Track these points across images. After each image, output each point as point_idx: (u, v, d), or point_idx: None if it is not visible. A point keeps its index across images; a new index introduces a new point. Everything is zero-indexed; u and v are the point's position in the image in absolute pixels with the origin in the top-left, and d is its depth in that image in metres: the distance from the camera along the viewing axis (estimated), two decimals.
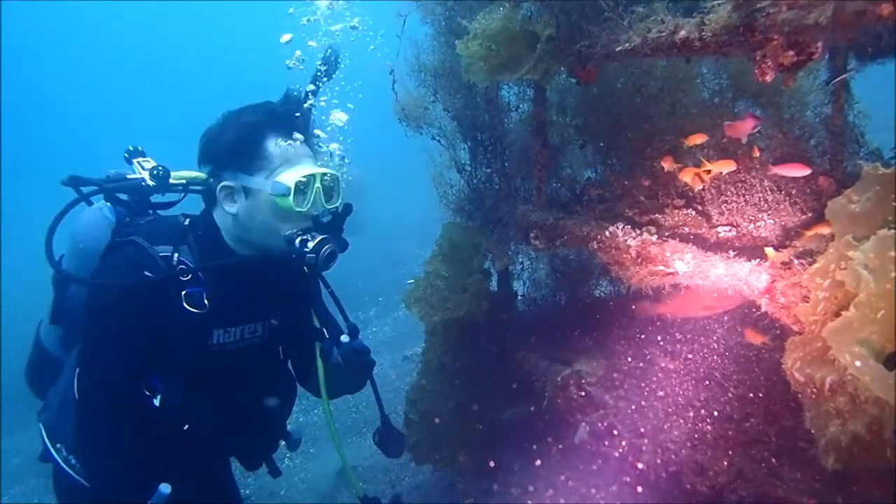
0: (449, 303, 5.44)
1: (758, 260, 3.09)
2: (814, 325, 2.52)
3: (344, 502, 6.30)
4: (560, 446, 5.01)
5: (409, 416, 5.64)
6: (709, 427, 3.69)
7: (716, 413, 3.77)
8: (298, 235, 3.00)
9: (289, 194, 2.94)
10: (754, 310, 3.56)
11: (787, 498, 3.15)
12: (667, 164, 4.17)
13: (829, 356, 2.45)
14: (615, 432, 4.26)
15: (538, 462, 5.15)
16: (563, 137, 5.48)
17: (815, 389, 2.54)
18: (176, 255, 2.99)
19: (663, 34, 3.29)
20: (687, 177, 3.95)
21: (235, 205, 3.08)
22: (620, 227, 3.84)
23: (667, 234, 3.88)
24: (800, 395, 2.67)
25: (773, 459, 3.41)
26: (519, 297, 5.97)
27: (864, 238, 2.31)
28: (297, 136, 3.13)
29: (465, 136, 5.52)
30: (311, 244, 2.96)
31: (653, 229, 3.75)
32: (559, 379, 4.67)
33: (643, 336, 4.78)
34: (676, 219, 4.21)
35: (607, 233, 3.88)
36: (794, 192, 4.35)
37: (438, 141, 5.64)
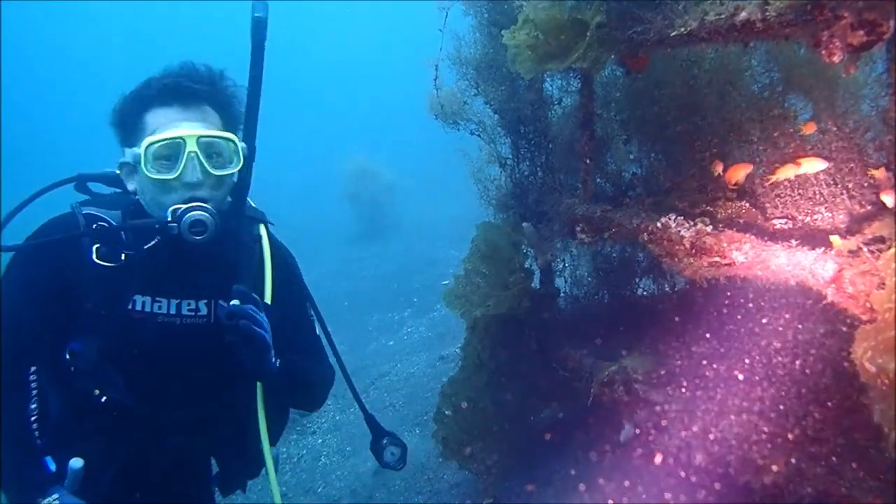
0: (490, 300, 5.36)
1: (823, 249, 2.97)
2: (888, 312, 2.41)
3: (381, 502, 6.23)
4: (605, 446, 4.90)
5: (443, 409, 5.56)
6: (765, 426, 3.56)
7: (773, 412, 3.64)
8: (179, 207, 2.73)
9: (141, 161, 2.71)
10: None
11: (851, 496, 3.01)
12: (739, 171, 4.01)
13: None
14: (664, 431, 4.15)
15: (580, 462, 5.05)
16: (606, 132, 5.39)
17: (887, 380, 2.42)
18: (101, 215, 2.86)
19: (722, 16, 3.19)
20: (786, 172, 3.79)
21: (133, 182, 2.92)
22: (673, 217, 3.74)
23: (721, 226, 3.77)
24: (869, 388, 2.55)
25: (834, 458, 3.28)
26: (561, 295, 5.87)
27: None
28: (188, 105, 2.85)
29: (508, 129, 5.44)
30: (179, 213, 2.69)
31: (707, 220, 3.64)
32: (605, 375, 4.56)
33: (694, 334, 4.66)
34: (729, 211, 4.09)
35: (659, 224, 3.78)
36: (850, 185, 4.22)
37: (478, 135, 5.57)
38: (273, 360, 2.93)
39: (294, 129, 32.02)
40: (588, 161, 4.61)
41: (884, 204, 3.41)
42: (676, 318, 5.00)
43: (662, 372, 4.48)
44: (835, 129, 5.06)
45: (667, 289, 5.87)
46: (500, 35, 4.25)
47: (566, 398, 5.28)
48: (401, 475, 6.42)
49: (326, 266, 15.46)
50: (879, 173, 4.29)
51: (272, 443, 3.22)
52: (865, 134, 4.99)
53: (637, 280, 6.04)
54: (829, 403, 3.53)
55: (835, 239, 2.92)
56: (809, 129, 3.85)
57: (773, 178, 4.04)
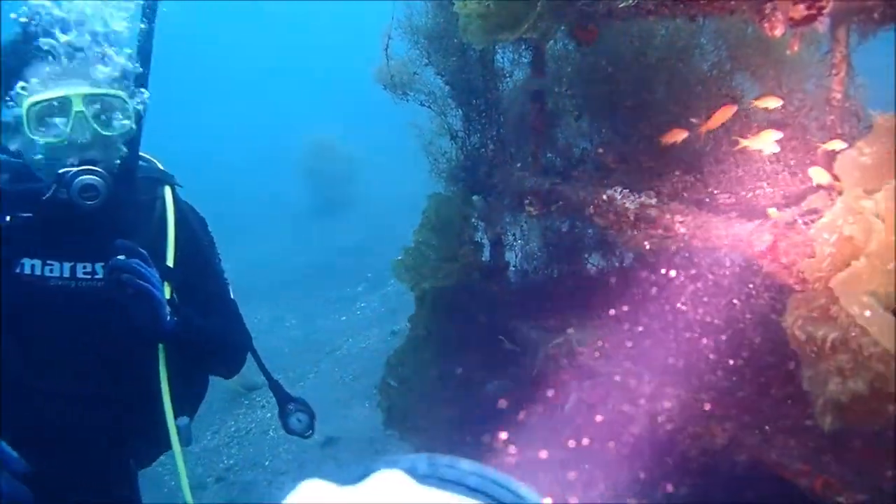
0: (439, 272, 5.36)
1: (760, 220, 3.02)
2: (818, 281, 2.46)
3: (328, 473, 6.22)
4: (548, 416, 4.95)
5: (388, 380, 5.56)
6: (703, 396, 3.63)
7: (711, 382, 3.71)
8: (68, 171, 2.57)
9: (24, 122, 2.54)
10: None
11: (781, 463, 3.09)
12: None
13: (832, 313, 2.39)
14: (607, 401, 4.21)
15: (523, 430, 5.09)
16: (558, 107, 5.39)
17: (816, 347, 2.48)
18: None
19: None
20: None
21: (16, 142, 2.72)
22: (618, 190, 3.76)
23: (665, 199, 3.80)
24: (799, 355, 2.61)
25: (767, 427, 3.35)
26: (511, 269, 5.89)
27: (875, 191, 2.24)
28: (73, 59, 2.65)
29: (459, 101, 5.40)
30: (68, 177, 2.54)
31: (651, 193, 3.67)
32: (550, 347, 4.60)
33: (638, 308, 4.71)
34: (676, 186, 4.13)
35: (604, 196, 3.81)
36: (793, 162, 4.29)
37: (429, 107, 5.51)
38: (167, 317, 2.77)
39: (249, 102, 31.39)
40: (538, 134, 4.60)
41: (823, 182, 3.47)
42: (623, 293, 5.06)
43: (607, 345, 4.54)
44: (781, 108, 5.16)
45: (615, 264, 5.93)
46: (452, 3, 4.21)
47: (513, 371, 5.31)
48: (348, 447, 6.43)
49: (281, 241, 15.28)
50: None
51: (191, 412, 3.13)
52: (809, 113, 5.10)
53: (586, 255, 6.08)
54: (765, 375, 3.62)
55: (772, 211, 2.97)
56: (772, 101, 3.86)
57: (743, 145, 4.09)
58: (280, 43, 37.44)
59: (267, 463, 6.74)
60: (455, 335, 5.53)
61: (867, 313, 2.04)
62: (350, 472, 0.61)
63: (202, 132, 27.82)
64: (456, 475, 0.61)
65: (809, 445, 3.13)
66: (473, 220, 5.45)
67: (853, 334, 2.30)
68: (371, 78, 5.33)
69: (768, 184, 4.10)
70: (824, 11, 2.80)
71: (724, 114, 4.11)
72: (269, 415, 7.84)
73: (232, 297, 3.43)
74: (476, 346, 5.54)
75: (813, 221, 2.83)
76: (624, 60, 5.18)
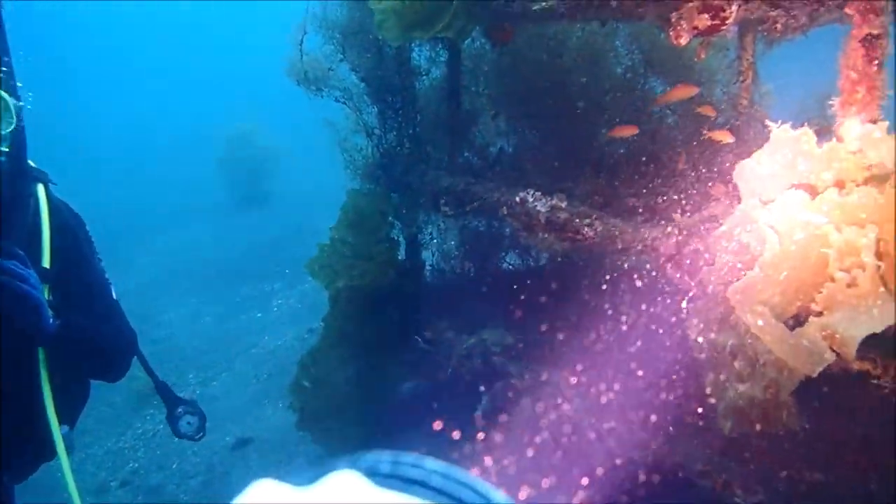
0: (354, 270, 5.28)
1: (664, 225, 3.06)
2: (717, 288, 2.50)
3: (238, 477, 6.07)
4: (462, 417, 4.94)
5: (301, 381, 5.45)
6: (610, 396, 3.67)
7: (616, 384, 3.75)
8: None
9: None
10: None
11: (682, 464, 3.16)
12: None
13: (731, 320, 2.43)
14: (519, 403, 4.22)
15: (436, 435, 5.07)
16: (474, 106, 5.38)
17: (715, 354, 2.52)
18: None
19: None
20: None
21: None
22: (531, 192, 3.76)
23: (577, 202, 3.83)
24: (701, 361, 2.65)
25: (671, 429, 3.42)
26: (427, 268, 5.85)
27: (771, 201, 2.29)
28: None
29: (375, 98, 5.32)
30: None
31: (563, 196, 3.69)
32: (464, 348, 4.59)
33: (551, 308, 4.75)
34: (588, 187, 4.17)
35: (517, 198, 3.80)
36: (703, 168, 4.39)
37: (344, 103, 5.41)
38: (49, 319, 2.63)
39: (164, 91, 30.47)
40: (454, 134, 4.57)
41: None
42: (538, 292, 5.10)
43: (521, 345, 4.56)
44: (689, 110, 5.28)
45: (531, 263, 5.97)
46: None
47: (428, 370, 5.28)
48: (259, 448, 6.28)
49: (197, 235, 14.85)
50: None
51: (71, 421, 2.96)
52: (717, 119, 5.24)
53: (503, 254, 6.11)
54: (673, 377, 3.69)
55: (676, 216, 3.02)
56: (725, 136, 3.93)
57: (709, 135, 4.16)
58: (198, 34, 36.54)
59: (174, 466, 6.52)
60: (370, 335, 5.46)
61: (760, 322, 2.08)
62: (306, 472, 0.57)
63: (116, 125, 26.91)
64: (419, 475, 0.57)
65: (709, 448, 3.21)
66: (390, 218, 5.39)
67: (749, 341, 2.35)
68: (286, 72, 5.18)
69: (674, 189, 4.18)
70: (728, 22, 2.85)
71: (684, 91, 4.15)
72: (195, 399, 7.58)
73: (114, 297, 3.25)
74: (391, 346, 5.49)
75: (714, 228, 2.88)
76: (540, 62, 5.21)
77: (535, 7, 3.44)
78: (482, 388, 4.62)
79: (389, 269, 5.31)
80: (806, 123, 4.71)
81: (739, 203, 2.62)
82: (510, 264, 6.13)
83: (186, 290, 11.60)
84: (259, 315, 10.34)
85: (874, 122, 2.26)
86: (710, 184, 4.01)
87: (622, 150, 5.36)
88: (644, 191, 4.22)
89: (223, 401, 7.82)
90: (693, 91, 3.73)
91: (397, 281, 5.38)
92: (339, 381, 5.42)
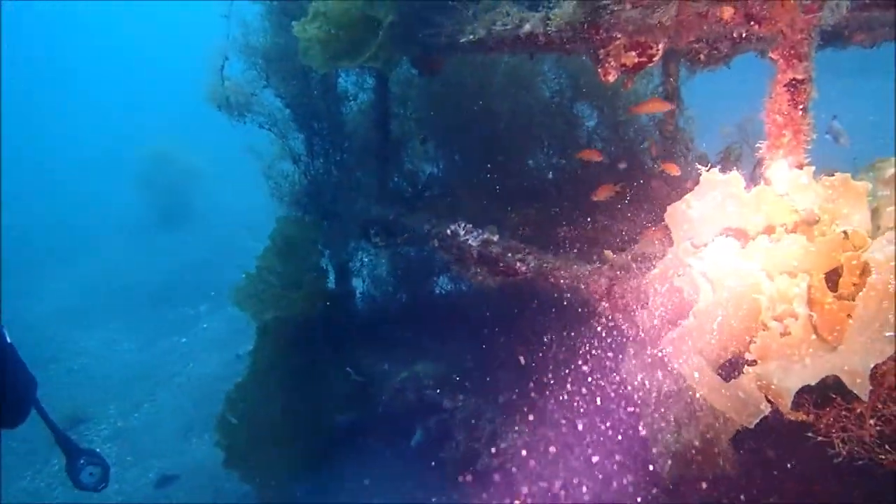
0: (282, 301, 5.13)
1: (598, 262, 3.04)
2: (652, 330, 2.48)
3: None
4: (394, 451, 4.85)
5: (228, 417, 5.24)
6: (547, 432, 3.63)
7: (553, 416, 3.72)
8: None
9: None
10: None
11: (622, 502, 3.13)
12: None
13: (666, 362, 2.42)
14: (452, 437, 4.15)
15: (370, 468, 4.97)
16: (403, 131, 5.31)
17: (651, 396, 2.50)
18: None
19: (508, 27, 3.18)
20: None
21: None
22: (462, 225, 3.70)
23: (508, 233, 3.79)
24: (636, 401, 2.63)
25: (613, 467, 3.39)
26: (358, 295, 5.74)
27: (703, 245, 2.28)
28: None
29: (301, 124, 5.19)
30: None
31: (494, 228, 3.64)
32: (397, 381, 4.49)
33: (486, 335, 4.71)
34: (519, 217, 4.15)
35: (448, 231, 3.73)
36: (630, 193, 4.41)
37: (269, 129, 5.26)
38: None
39: (85, 112, 29.44)
40: (383, 162, 4.49)
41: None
42: (472, 319, 5.05)
43: (455, 377, 4.49)
44: (616, 136, 5.34)
45: (463, 287, 5.92)
46: (291, 25, 4.02)
47: (361, 403, 5.16)
48: (185, 485, 6.03)
49: (117, 256, 14.28)
50: (655, 184, 4.54)
51: None
52: (643, 143, 5.31)
53: (435, 279, 6.05)
54: (612, 417, 3.68)
55: (608, 254, 3.00)
56: (672, 169, 3.94)
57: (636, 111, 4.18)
58: (120, 52, 35.57)
59: None
60: (300, 367, 5.30)
61: (696, 374, 2.07)
62: None
63: (30, 143, 25.81)
64: None
65: (654, 485, 3.19)
66: (319, 246, 5.26)
67: (685, 385, 2.33)
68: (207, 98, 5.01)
69: (607, 216, 4.20)
70: (654, 59, 2.85)
71: (658, 106, 4.16)
72: (97, 450, 7.21)
73: (9, 340, 3.04)
74: (322, 379, 5.35)
75: (646, 266, 2.87)
76: (469, 87, 5.18)
77: (464, 39, 3.39)
78: (416, 422, 4.54)
79: (319, 298, 5.18)
80: (727, 148, 4.83)
81: (671, 243, 2.61)
82: (443, 289, 6.07)
83: (106, 315, 11.11)
84: (183, 340, 9.99)
85: (801, 166, 2.29)
86: (641, 214, 4.04)
87: (550, 175, 5.38)
88: (574, 219, 4.22)
89: (145, 434, 7.48)
90: (667, 107, 3.77)
91: (327, 311, 5.25)
92: (269, 415, 5.24)
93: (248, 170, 6.08)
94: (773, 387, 1.94)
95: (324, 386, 5.32)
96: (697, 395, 2.24)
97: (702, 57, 4.10)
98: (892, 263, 1.77)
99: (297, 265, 5.30)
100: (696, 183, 3.74)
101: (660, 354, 2.40)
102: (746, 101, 4.84)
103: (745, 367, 2.03)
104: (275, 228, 5.41)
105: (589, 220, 4.16)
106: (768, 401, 1.96)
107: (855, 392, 1.77)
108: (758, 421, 1.95)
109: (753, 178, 3.86)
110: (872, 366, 1.74)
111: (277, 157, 5.34)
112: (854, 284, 2.07)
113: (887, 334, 1.72)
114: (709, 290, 2.11)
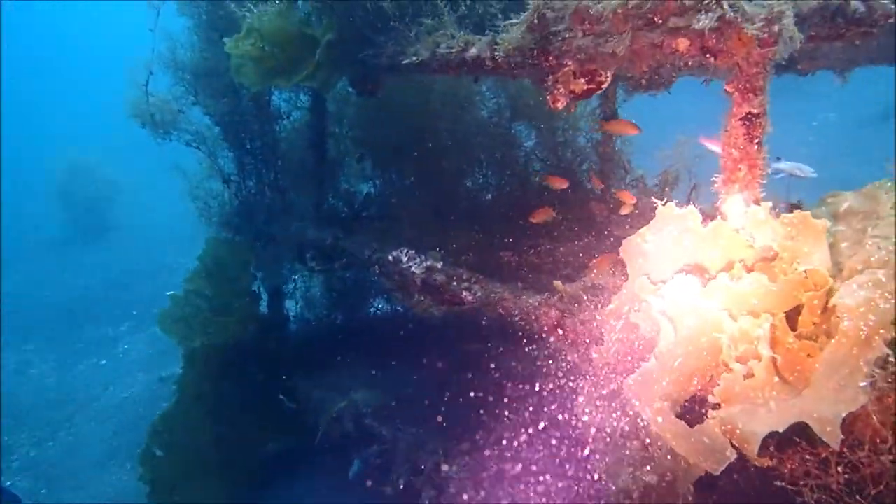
0: (211, 326, 4.90)
1: (547, 293, 2.97)
2: (606, 366, 2.41)
3: None
4: (331, 482, 4.67)
5: (153, 449, 4.97)
6: (491, 462, 3.54)
7: (496, 447, 3.63)
8: None
9: None
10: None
11: None
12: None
13: (622, 399, 2.35)
14: (392, 468, 4.01)
15: (305, 500, 4.78)
16: (339, 150, 5.16)
17: (607, 434, 2.43)
18: None
19: (453, 50, 3.09)
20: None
21: None
22: (404, 252, 3.58)
23: (451, 259, 3.68)
24: (591, 439, 2.56)
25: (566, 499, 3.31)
26: (291, 317, 5.54)
27: (661, 281, 2.22)
28: None
29: (232, 143, 4.97)
30: None
31: (438, 255, 3.53)
32: (334, 410, 4.33)
33: (425, 359, 4.60)
34: (462, 241, 4.05)
35: (390, 257, 3.61)
36: (570, 216, 4.38)
37: (197, 147, 5.03)
38: None
39: None
40: (319, 184, 4.33)
41: None
42: (411, 342, 4.93)
43: (393, 404, 4.35)
44: (555, 157, 5.31)
45: (399, 309, 5.79)
46: (222, 41, 3.83)
47: (295, 431, 4.96)
48: None
49: (30, 273, 13.56)
50: (594, 205, 4.52)
51: None
52: (582, 164, 5.31)
53: (372, 300, 5.90)
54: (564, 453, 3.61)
55: (557, 284, 2.93)
56: (627, 198, 3.88)
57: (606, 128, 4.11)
58: (38, 58, 34.13)
59: None
60: (230, 395, 5.06)
61: (660, 419, 2.00)
62: None
63: None
64: None
65: None
66: (252, 269, 5.05)
67: (643, 424, 2.27)
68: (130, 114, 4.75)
69: (549, 240, 4.15)
70: (603, 86, 2.81)
71: (626, 128, 4.09)
72: (8, 482, 6.77)
73: None
74: (254, 407, 5.13)
75: (597, 297, 2.81)
76: (407, 105, 5.07)
77: (406, 61, 3.28)
78: (354, 452, 4.39)
79: (251, 323, 4.97)
80: (665, 171, 4.85)
81: (623, 273, 2.56)
82: (379, 309, 5.93)
83: (19, 336, 10.50)
84: (103, 363, 9.52)
85: (757, 201, 2.26)
86: (583, 238, 4.01)
87: (489, 197, 5.31)
88: (517, 244, 4.15)
89: (61, 464, 7.05)
90: (635, 131, 3.71)
91: (259, 336, 5.04)
92: (196, 447, 4.99)
93: (173, 182, 5.83)
94: (738, 431, 1.89)
95: (256, 414, 5.10)
96: (654, 435, 2.18)
97: (643, 82, 4.11)
98: (863, 310, 1.74)
99: (227, 289, 5.08)
100: (621, 199, 3.74)
101: (618, 395, 2.33)
102: (683, 123, 4.91)
103: (710, 410, 1.97)
104: (204, 249, 5.17)
105: (531, 245, 4.11)
106: (734, 446, 1.91)
107: (825, 440, 1.73)
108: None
109: (690, 201, 3.88)
110: (844, 415, 1.70)
111: (206, 177, 5.11)
112: (814, 323, 2.05)
113: (862, 384, 1.68)
114: (670, 330, 2.05)
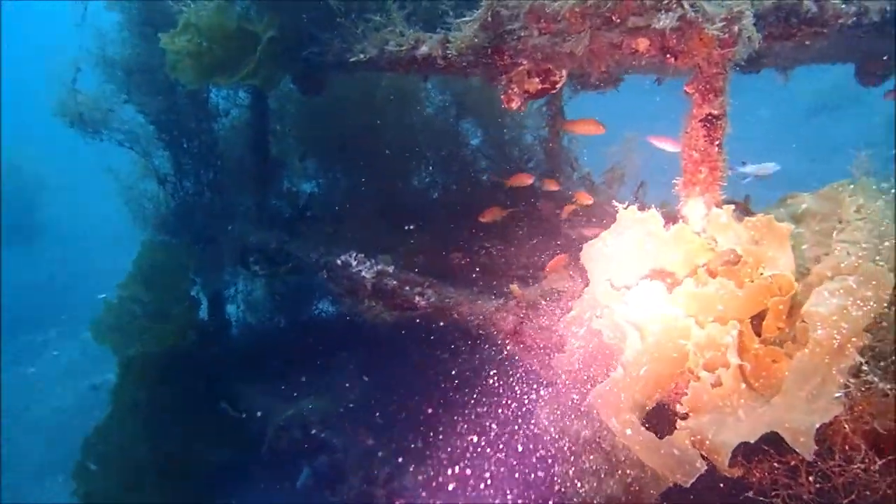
0: (148, 333, 4.69)
1: (503, 298, 2.90)
2: (568, 375, 2.35)
3: None
4: (279, 492, 4.53)
5: (86, 463, 4.74)
6: (448, 480, 3.45)
7: (453, 456, 3.55)
8: None
9: None
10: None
11: None
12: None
13: (584, 408, 2.30)
14: (344, 477, 3.90)
15: None
16: (281, 148, 4.99)
17: (569, 444, 2.37)
18: None
19: (403, 48, 2.98)
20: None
21: None
22: (353, 255, 3.46)
23: (401, 262, 3.58)
24: (552, 450, 2.50)
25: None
26: (233, 322, 5.35)
27: (625, 286, 2.17)
28: None
29: (167, 143, 4.75)
30: None
31: (389, 258, 3.43)
32: (281, 419, 4.18)
33: (374, 364, 4.48)
34: (410, 242, 3.95)
35: (339, 261, 3.49)
36: (523, 217, 4.32)
37: (129, 147, 4.78)
38: None
39: None
40: (261, 185, 4.17)
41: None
42: (358, 346, 4.80)
43: (340, 410, 4.23)
44: (502, 155, 5.26)
45: (345, 312, 5.66)
46: (156, 37, 3.64)
47: (239, 441, 4.79)
48: None
49: None
50: (543, 206, 4.48)
51: None
52: (529, 162, 5.26)
53: (316, 302, 5.75)
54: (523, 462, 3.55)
55: (514, 288, 2.86)
56: (584, 199, 3.77)
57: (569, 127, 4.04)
58: None
59: None
60: (169, 405, 4.85)
61: (628, 432, 1.95)
62: None
63: None
64: None
65: None
66: (191, 273, 4.85)
67: (605, 433, 2.22)
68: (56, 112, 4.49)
69: (500, 241, 4.08)
70: (558, 86, 2.75)
71: (592, 128, 3.97)
72: None
73: None
74: (194, 416, 4.92)
75: (556, 301, 2.76)
76: (350, 102, 4.93)
77: (353, 58, 3.17)
78: (302, 461, 4.26)
79: (189, 330, 4.78)
80: (612, 167, 4.84)
81: (583, 277, 2.50)
82: (324, 312, 5.78)
83: None
84: (32, 370, 9.12)
85: (718, 203, 2.22)
86: (534, 239, 3.95)
87: (436, 195, 5.22)
88: (467, 244, 4.07)
89: None
90: (600, 130, 3.59)
91: (199, 343, 4.85)
92: (133, 459, 4.77)
93: (108, 182, 5.56)
94: (707, 442, 1.84)
95: (197, 425, 4.90)
96: (617, 444, 2.13)
97: (592, 79, 4.07)
98: (836, 318, 1.71)
99: (164, 294, 4.87)
100: (579, 200, 3.69)
101: (576, 398, 2.27)
102: (630, 120, 4.90)
103: (679, 421, 1.93)
104: (139, 253, 4.95)
105: (481, 245, 4.03)
106: (703, 457, 1.86)
107: (798, 450, 1.69)
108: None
109: (637, 198, 3.87)
110: (818, 426, 1.66)
111: (140, 177, 4.87)
112: (779, 328, 2.03)
113: (836, 394, 1.66)
114: (636, 337, 2.00)
